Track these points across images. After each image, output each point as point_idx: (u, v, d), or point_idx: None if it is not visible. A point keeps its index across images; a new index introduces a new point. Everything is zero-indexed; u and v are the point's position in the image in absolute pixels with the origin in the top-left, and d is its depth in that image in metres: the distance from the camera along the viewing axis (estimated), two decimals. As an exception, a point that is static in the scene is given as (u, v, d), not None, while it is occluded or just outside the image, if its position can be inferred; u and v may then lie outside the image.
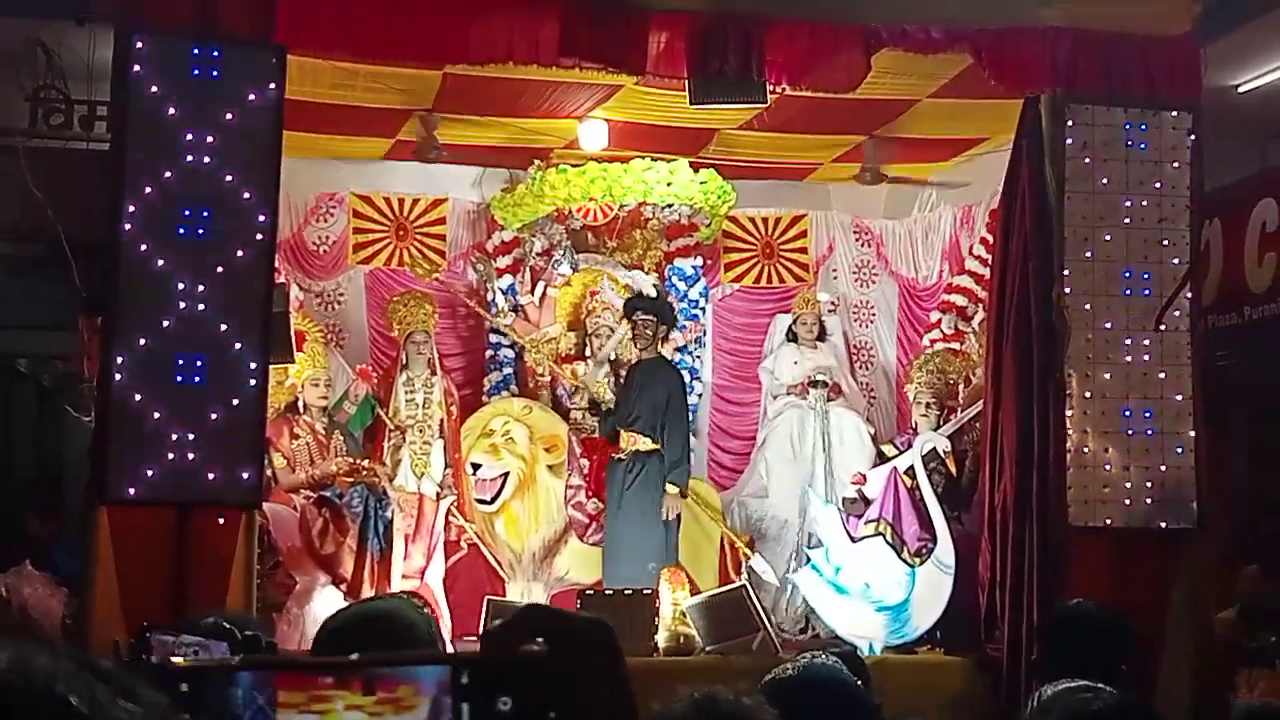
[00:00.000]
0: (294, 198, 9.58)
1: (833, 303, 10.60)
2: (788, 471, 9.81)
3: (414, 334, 9.38)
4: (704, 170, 10.09)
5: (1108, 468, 7.86)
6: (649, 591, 8.38)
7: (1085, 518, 7.80)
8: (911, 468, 8.97)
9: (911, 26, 7.80)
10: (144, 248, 6.71)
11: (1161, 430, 7.91)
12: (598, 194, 9.93)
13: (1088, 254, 7.92)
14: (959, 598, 8.48)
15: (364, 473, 8.87)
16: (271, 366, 7.36)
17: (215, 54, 6.91)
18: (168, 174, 6.77)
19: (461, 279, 10.38)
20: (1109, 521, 7.83)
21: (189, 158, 6.78)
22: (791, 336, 10.28)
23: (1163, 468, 7.89)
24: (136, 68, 6.80)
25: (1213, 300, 9.65)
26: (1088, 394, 7.87)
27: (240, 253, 6.83)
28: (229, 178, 6.85)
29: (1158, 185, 8.00)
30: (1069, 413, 7.83)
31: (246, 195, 6.88)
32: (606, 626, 1.65)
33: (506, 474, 9.29)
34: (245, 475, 6.81)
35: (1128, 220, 7.96)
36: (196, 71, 6.86)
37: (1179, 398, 7.94)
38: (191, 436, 6.69)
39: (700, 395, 10.52)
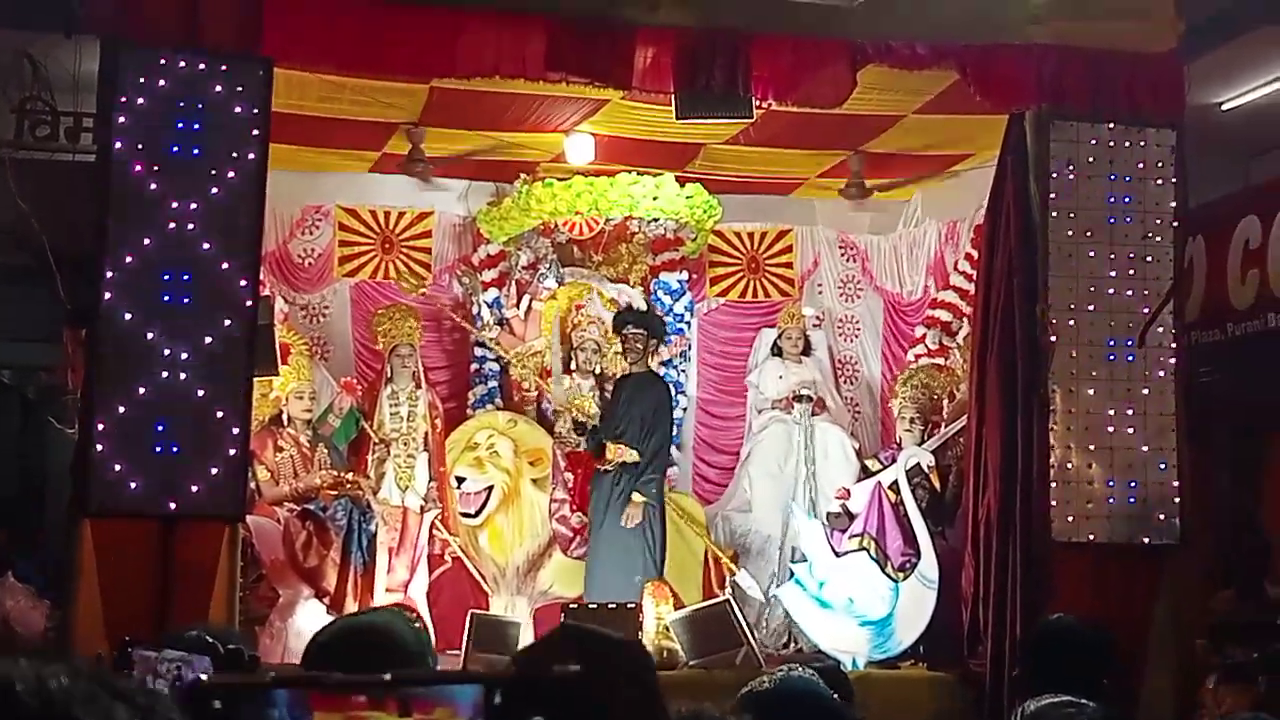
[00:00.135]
0: (280, 210, 9.57)
1: (818, 317, 10.61)
2: (772, 486, 9.81)
3: (399, 347, 9.37)
4: (690, 185, 10.10)
5: (1091, 483, 7.87)
6: (633, 605, 8.37)
7: (1068, 533, 7.81)
8: (895, 482, 8.97)
9: (897, 42, 7.83)
10: (129, 258, 6.71)
11: (1144, 446, 7.93)
12: (583, 208, 9.94)
13: (1072, 270, 7.94)
14: (942, 613, 8.48)
15: (348, 486, 8.85)
16: (256, 379, 7.36)
17: (201, 66, 6.91)
18: (153, 185, 6.77)
19: (447, 292, 10.37)
20: (1092, 537, 7.84)
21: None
22: (776, 351, 10.29)
23: (1145, 483, 7.91)
24: (122, 79, 6.80)
25: (1196, 317, 9.68)
26: (1071, 409, 7.89)
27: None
28: (214, 190, 6.85)
29: (1141, 202, 8.03)
30: (1052, 428, 7.85)
31: (230, 201, 6.88)
32: (643, 650, 1.63)
33: (491, 487, 9.28)
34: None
35: (1112, 236, 7.99)
36: (182, 84, 6.86)
37: (1162, 414, 7.96)
38: (176, 450, 6.69)
39: (685, 409, 10.52)
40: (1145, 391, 7.95)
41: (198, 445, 6.73)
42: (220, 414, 6.77)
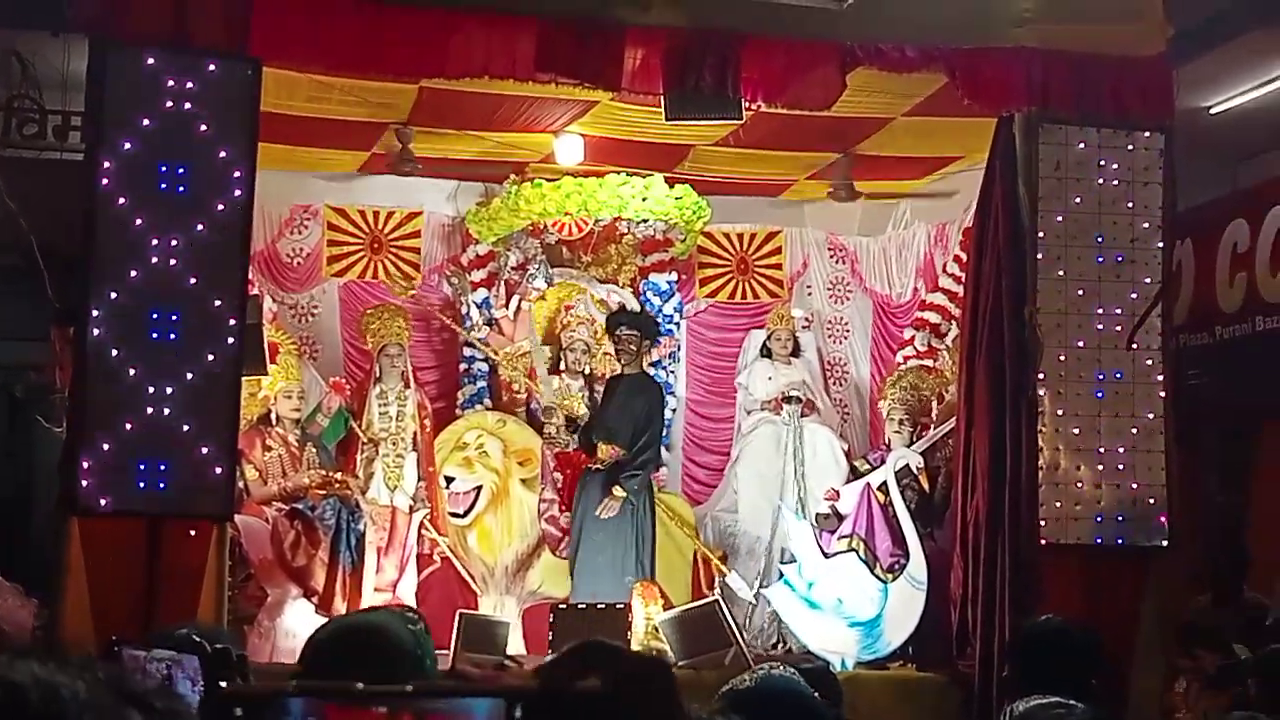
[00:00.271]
0: (269, 210, 9.56)
1: (807, 319, 10.63)
2: (761, 487, 9.82)
3: (388, 347, 9.37)
4: (679, 186, 10.10)
5: (1079, 485, 7.89)
6: (621, 606, 8.37)
7: (1057, 535, 7.82)
8: (885, 484, 8.98)
9: (887, 45, 7.83)
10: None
11: (1133, 448, 7.95)
12: (573, 208, 9.94)
13: (1060, 272, 7.96)
14: (931, 614, 8.50)
15: (336, 485, 8.85)
16: (245, 379, 7.35)
17: (190, 66, 6.89)
18: (143, 190, 6.76)
19: (436, 292, 10.37)
20: (1080, 538, 7.86)
21: (163, 185, 6.78)
22: (766, 352, 10.30)
23: (1134, 486, 7.92)
24: (110, 79, 6.79)
25: (1184, 320, 9.71)
26: (1060, 412, 7.91)
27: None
28: (202, 190, 6.84)
29: (1130, 205, 8.04)
30: (1041, 430, 7.86)
31: (221, 207, 6.88)
32: (666, 666, 1.62)
33: (480, 487, 9.29)
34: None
35: (1100, 239, 8.00)
36: (171, 83, 6.84)
37: (1150, 416, 7.97)
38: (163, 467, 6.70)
39: (674, 410, 10.53)
40: (1133, 394, 7.97)
41: (186, 442, 6.72)
42: (209, 414, 6.76)
